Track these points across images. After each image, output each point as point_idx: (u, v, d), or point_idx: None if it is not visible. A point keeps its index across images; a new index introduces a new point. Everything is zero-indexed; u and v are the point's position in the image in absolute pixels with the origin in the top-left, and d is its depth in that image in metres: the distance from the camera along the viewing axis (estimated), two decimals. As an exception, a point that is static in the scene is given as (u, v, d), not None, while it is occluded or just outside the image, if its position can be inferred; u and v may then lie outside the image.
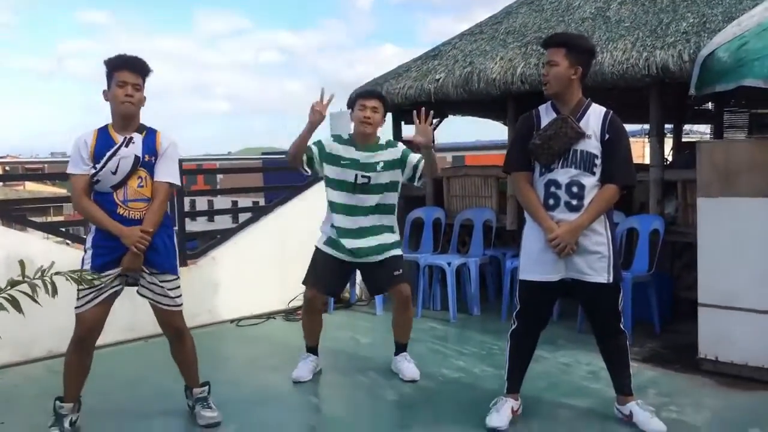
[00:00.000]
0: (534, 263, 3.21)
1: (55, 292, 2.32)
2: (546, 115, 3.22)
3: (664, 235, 4.90)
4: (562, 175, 3.12)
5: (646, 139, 9.61)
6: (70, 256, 4.43)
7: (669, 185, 5.16)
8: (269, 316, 5.75)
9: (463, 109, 7.46)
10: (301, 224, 6.07)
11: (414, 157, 4.00)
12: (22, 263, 2.40)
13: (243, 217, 6.61)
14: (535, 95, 5.14)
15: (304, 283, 4.15)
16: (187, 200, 5.96)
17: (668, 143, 8.08)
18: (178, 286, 3.43)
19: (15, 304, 2.32)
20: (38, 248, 4.54)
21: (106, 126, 3.30)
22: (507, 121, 6.23)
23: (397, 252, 4.09)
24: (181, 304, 3.44)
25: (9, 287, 2.37)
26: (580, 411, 3.55)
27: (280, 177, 10.10)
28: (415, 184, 4.11)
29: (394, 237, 4.10)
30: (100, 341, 4.70)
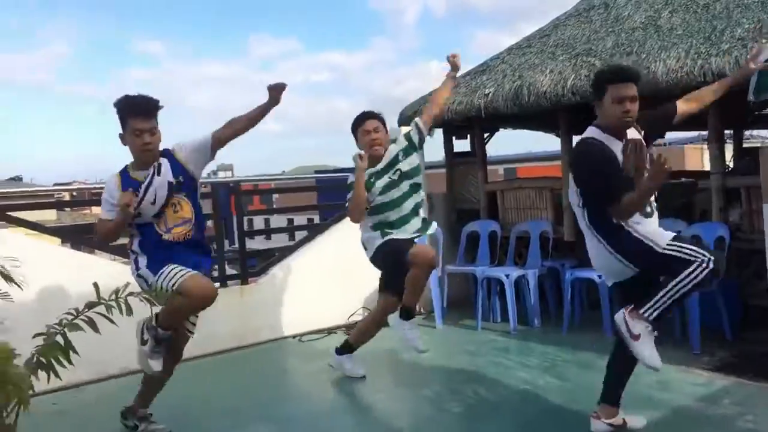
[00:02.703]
0: None
1: (129, 312, 2.45)
2: (607, 141, 3.13)
3: (730, 242, 4.79)
4: None
5: (705, 146, 9.39)
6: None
7: (731, 192, 5.05)
8: (330, 330, 5.83)
9: (513, 122, 7.45)
10: (357, 240, 6.18)
11: (412, 124, 4.38)
12: (96, 285, 2.54)
13: (299, 234, 6.74)
14: (586, 106, 5.12)
15: (384, 286, 4.36)
16: (245, 220, 6.12)
17: (729, 149, 7.89)
18: None
19: (92, 324, 2.46)
20: (107, 270, 4.72)
21: (126, 169, 3.42)
22: (560, 132, 6.20)
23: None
24: None
25: (87, 309, 2.52)
26: (651, 422, 3.48)
27: (334, 195, 10.23)
28: (426, 134, 4.40)
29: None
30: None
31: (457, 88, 6.43)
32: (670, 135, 14.33)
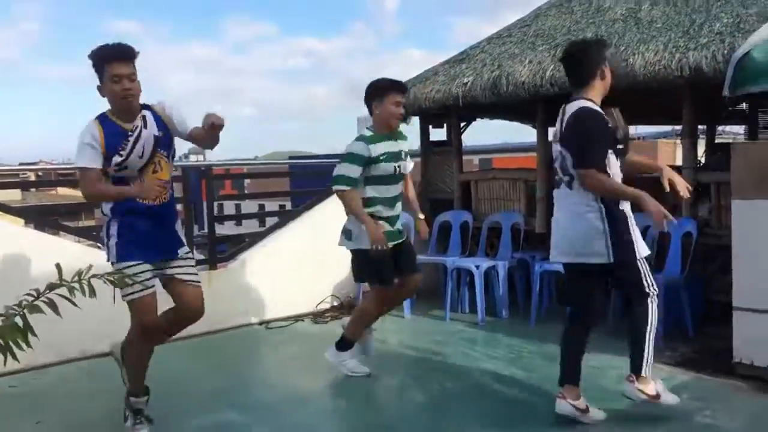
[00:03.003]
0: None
1: (93, 294, 2.36)
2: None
3: (697, 238, 4.83)
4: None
5: (678, 141, 9.49)
6: (103, 259, 4.50)
7: (702, 187, 5.08)
8: (297, 318, 5.78)
9: (491, 112, 7.43)
10: (329, 228, 6.09)
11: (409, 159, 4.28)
12: (59, 266, 2.45)
13: (270, 221, 6.66)
14: (565, 98, 5.11)
15: (380, 283, 4.11)
16: (215, 204, 6.02)
17: (701, 145, 7.96)
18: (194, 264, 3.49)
19: (53, 306, 2.37)
20: (71, 252, 4.61)
21: (105, 115, 3.17)
22: (536, 124, 6.19)
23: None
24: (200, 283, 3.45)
25: (48, 291, 2.43)
26: (612, 415, 3.50)
27: (306, 181, 10.15)
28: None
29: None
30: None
31: (436, 76, 6.39)
32: (644, 129, 14.46)
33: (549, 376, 4.04)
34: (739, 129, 10.68)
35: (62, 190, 40.22)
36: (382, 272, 4.05)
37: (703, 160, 7.37)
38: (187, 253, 3.40)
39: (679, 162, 5.47)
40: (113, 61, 3.06)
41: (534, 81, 5.46)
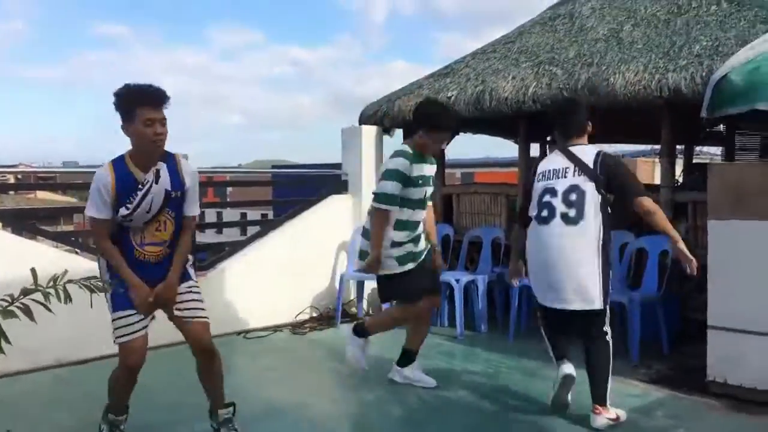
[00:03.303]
0: None
1: (68, 299, 2.34)
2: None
3: (674, 256, 4.88)
4: None
5: (657, 160, 9.61)
6: (80, 265, 4.47)
7: (679, 206, 5.15)
8: (276, 328, 5.76)
9: (474, 126, 7.48)
10: (311, 238, 6.13)
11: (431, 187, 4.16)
12: (33, 271, 2.42)
13: (252, 229, 6.64)
14: (546, 115, 5.17)
15: (408, 302, 4.11)
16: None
17: (679, 164, 8.08)
18: (198, 289, 3.36)
19: (27, 312, 2.35)
20: (48, 257, 4.56)
21: (122, 159, 3.10)
22: (519, 139, 6.25)
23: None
24: (207, 318, 3.37)
25: (22, 296, 2.40)
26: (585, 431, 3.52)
27: (289, 191, 10.13)
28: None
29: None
30: (109, 350, 4.73)
31: (420, 89, 6.43)
32: (625, 147, 14.65)
33: (527, 390, 4.07)
34: (717, 150, 10.84)
35: (41, 194, 39.86)
36: (409, 291, 4.04)
37: (681, 180, 7.47)
38: (190, 287, 3.30)
39: (657, 181, 5.55)
40: (145, 105, 3.00)
41: (517, 97, 5.51)
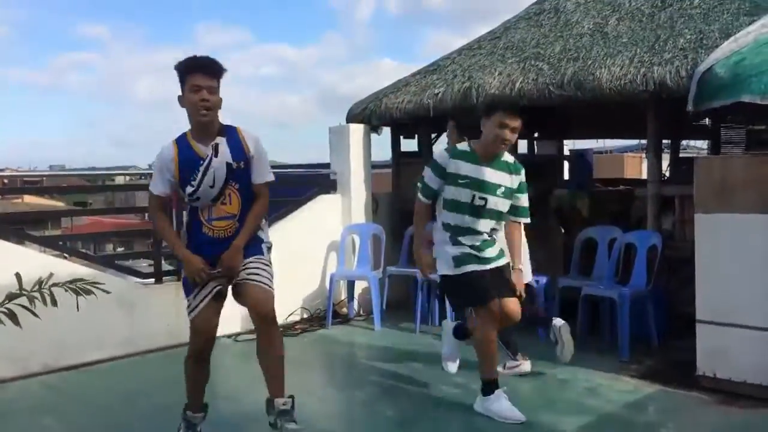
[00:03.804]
0: None
1: (54, 303, 2.31)
2: None
3: (661, 251, 4.90)
4: None
5: (643, 155, 9.64)
6: (68, 270, 4.42)
7: (666, 200, 5.17)
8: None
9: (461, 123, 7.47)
10: (300, 239, 6.10)
11: (524, 200, 3.71)
12: (18, 276, 2.39)
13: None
14: (533, 110, 5.17)
15: (479, 303, 3.61)
16: (184, 214, 5.95)
17: (666, 159, 8.11)
18: (269, 268, 3.24)
19: (13, 317, 2.32)
20: (36, 262, 4.52)
21: (185, 135, 3.12)
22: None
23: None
24: (272, 288, 3.21)
25: (7, 301, 2.37)
26: (579, 428, 3.53)
27: (278, 190, 10.08)
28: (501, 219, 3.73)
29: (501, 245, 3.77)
30: (97, 356, 4.71)
31: (407, 87, 6.42)
32: (612, 143, 14.69)
33: (518, 388, 4.06)
34: (703, 144, 10.90)
35: (28, 198, 39.54)
36: (476, 291, 3.59)
37: (668, 174, 7.50)
38: (259, 259, 3.22)
39: (644, 175, 5.57)
40: (196, 72, 3.02)
41: (503, 93, 5.51)
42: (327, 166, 6.77)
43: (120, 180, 12.38)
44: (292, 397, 3.23)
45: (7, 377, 4.38)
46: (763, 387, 3.75)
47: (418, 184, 3.74)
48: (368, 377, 4.46)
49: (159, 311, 5.17)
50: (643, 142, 7.97)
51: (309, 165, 9.68)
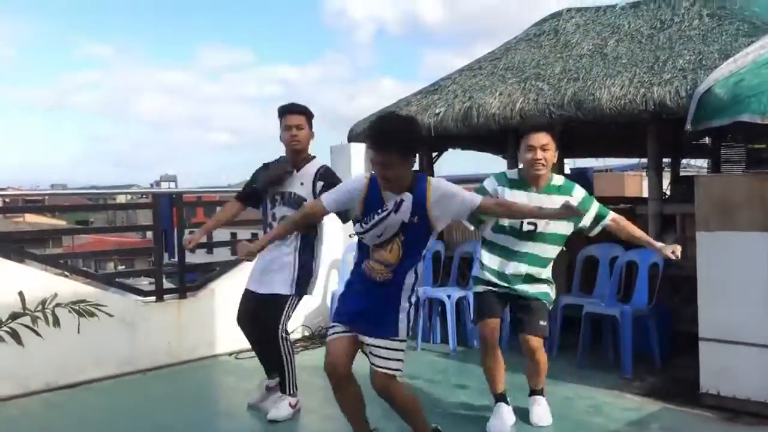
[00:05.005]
0: None
1: (56, 323, 2.32)
2: None
3: (663, 269, 4.91)
4: None
5: (644, 173, 9.64)
6: (69, 288, 4.44)
7: (668, 219, 5.18)
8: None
9: (462, 142, 7.52)
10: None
11: (594, 208, 3.66)
12: (21, 295, 2.40)
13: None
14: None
15: (478, 319, 3.81)
16: (186, 232, 5.96)
17: (666, 177, 8.13)
18: (396, 349, 3.09)
19: (15, 336, 2.32)
20: (37, 281, 4.52)
21: (376, 179, 3.00)
22: (506, 155, 6.28)
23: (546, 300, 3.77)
24: (395, 369, 3.10)
25: (10, 320, 2.38)
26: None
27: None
28: (590, 234, 3.75)
29: (548, 287, 3.78)
30: (99, 374, 4.69)
31: (409, 106, 6.47)
32: (612, 161, 14.75)
33: (520, 406, 4.05)
34: (703, 162, 10.92)
35: (30, 217, 39.63)
36: (478, 309, 3.79)
37: (668, 192, 7.51)
38: (392, 342, 3.07)
39: (645, 194, 5.59)
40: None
41: (504, 113, 5.56)
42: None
43: (121, 199, 12.38)
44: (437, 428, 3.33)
45: (8, 395, 4.37)
46: (766, 404, 3.74)
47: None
48: (370, 394, 4.43)
49: (160, 329, 5.18)
50: (644, 160, 8.00)
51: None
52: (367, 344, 3.07)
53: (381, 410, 3.37)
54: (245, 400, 4.39)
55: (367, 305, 3.05)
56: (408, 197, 2.96)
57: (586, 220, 3.63)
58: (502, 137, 6.09)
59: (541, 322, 3.67)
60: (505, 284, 3.70)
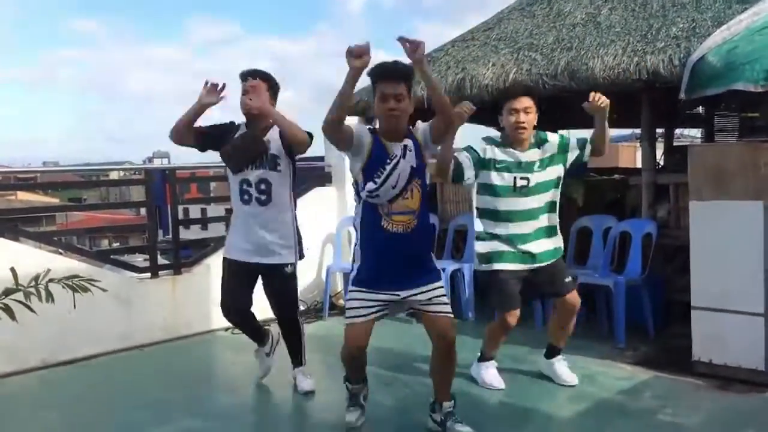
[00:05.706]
0: None
1: (50, 299, 2.32)
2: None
3: (656, 239, 4.92)
4: None
5: (637, 144, 9.65)
6: (64, 266, 4.43)
7: (661, 189, 5.19)
8: (264, 323, 5.71)
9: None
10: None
11: (573, 139, 3.76)
12: (14, 271, 2.40)
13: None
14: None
15: (501, 310, 3.86)
16: (180, 208, 5.95)
17: (660, 147, 8.13)
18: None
19: (9, 312, 2.32)
20: (31, 258, 4.51)
21: (376, 131, 3.14)
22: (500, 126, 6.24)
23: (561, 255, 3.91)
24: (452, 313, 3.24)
25: (3, 296, 2.38)
26: (576, 415, 3.55)
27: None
28: (584, 159, 3.76)
29: (560, 240, 3.90)
30: (95, 350, 4.72)
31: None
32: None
33: (515, 377, 4.09)
34: (697, 132, 10.91)
35: (23, 195, 39.46)
36: (503, 299, 3.80)
37: (662, 162, 7.52)
38: (436, 287, 3.20)
39: (639, 164, 5.59)
40: (382, 81, 3.07)
41: (497, 84, 5.52)
42: (321, 159, 6.77)
43: (114, 175, 12.32)
44: (454, 399, 3.34)
45: (5, 372, 4.38)
46: (758, 372, 3.79)
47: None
48: (366, 367, 4.47)
49: (155, 305, 5.19)
50: (637, 131, 7.99)
51: (303, 158, 9.65)
52: (420, 298, 3.15)
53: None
54: (242, 374, 4.42)
55: (406, 260, 3.12)
56: (410, 143, 3.10)
57: (574, 152, 3.73)
58: (495, 108, 6.05)
59: (567, 279, 3.82)
60: (527, 260, 3.74)
